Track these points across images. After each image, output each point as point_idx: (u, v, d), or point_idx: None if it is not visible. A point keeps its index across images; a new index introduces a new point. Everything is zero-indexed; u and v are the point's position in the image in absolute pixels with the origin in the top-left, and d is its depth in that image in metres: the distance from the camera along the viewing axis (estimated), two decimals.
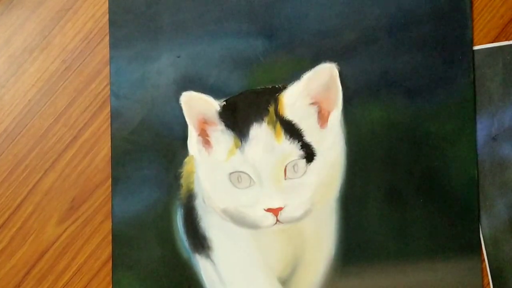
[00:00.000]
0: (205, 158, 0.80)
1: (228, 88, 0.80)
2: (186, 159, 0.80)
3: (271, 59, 0.80)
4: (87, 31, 0.81)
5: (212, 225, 0.80)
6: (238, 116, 0.79)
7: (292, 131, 0.79)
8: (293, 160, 0.79)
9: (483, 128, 0.80)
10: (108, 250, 0.80)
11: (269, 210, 0.78)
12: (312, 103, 0.79)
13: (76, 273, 0.81)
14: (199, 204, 0.80)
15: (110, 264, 0.80)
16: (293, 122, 0.79)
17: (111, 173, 0.80)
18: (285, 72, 0.79)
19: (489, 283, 0.79)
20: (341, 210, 0.80)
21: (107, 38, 0.81)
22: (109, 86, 0.81)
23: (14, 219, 0.81)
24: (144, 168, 0.80)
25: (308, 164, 0.79)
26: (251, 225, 0.79)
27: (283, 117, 0.79)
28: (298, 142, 0.79)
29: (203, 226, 0.80)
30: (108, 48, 0.81)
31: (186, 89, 0.80)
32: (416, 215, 0.79)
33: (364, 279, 0.79)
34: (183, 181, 0.80)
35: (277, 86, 0.79)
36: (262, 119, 0.79)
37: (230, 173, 0.79)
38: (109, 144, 0.80)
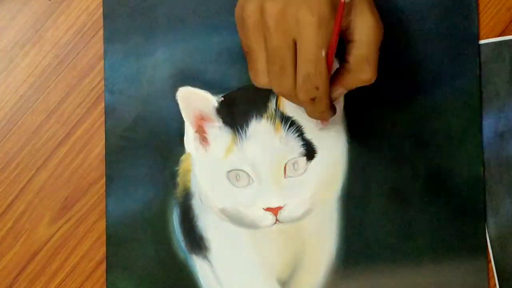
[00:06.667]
0: (202, 156, 0.79)
1: (226, 84, 0.79)
2: (183, 157, 0.79)
3: None
4: (81, 25, 0.80)
5: (209, 225, 0.79)
6: (237, 112, 0.78)
7: (292, 128, 0.78)
8: (293, 158, 0.78)
9: (489, 125, 0.79)
10: (102, 250, 0.80)
11: (268, 209, 0.78)
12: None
13: (69, 274, 0.80)
14: (196, 203, 0.79)
15: (104, 265, 0.79)
16: (293, 119, 0.78)
17: (105, 171, 0.79)
18: None
19: (495, 285, 0.78)
20: (342, 210, 0.79)
21: (101, 32, 0.80)
22: (103, 82, 0.80)
23: (5, 219, 0.80)
24: (139, 166, 0.79)
25: (308, 162, 0.78)
26: (250, 225, 0.79)
27: (283, 113, 0.78)
28: (299, 139, 0.78)
29: (200, 226, 0.79)
30: (102, 42, 0.80)
31: (182, 85, 0.79)
32: (420, 214, 0.79)
33: (366, 281, 0.79)
34: (179, 179, 0.79)
35: None
36: (261, 116, 0.78)
37: (228, 171, 0.78)
38: (103, 141, 0.80)
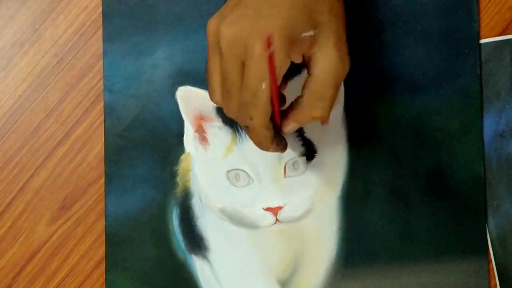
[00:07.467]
0: (202, 156, 0.79)
1: None
2: (182, 157, 0.79)
3: None
4: (80, 24, 0.80)
5: (209, 224, 0.79)
6: None
7: None
8: (293, 158, 0.78)
9: (490, 124, 0.79)
10: (102, 250, 0.79)
11: (268, 209, 0.78)
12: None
13: (68, 274, 0.80)
14: (195, 203, 0.79)
15: (103, 265, 0.79)
16: None
17: (105, 171, 0.79)
18: None
19: (496, 285, 0.78)
20: (342, 210, 0.79)
21: (101, 31, 0.80)
22: (102, 81, 0.79)
23: (4, 219, 0.80)
24: (138, 166, 0.79)
25: (308, 162, 0.78)
26: (250, 225, 0.78)
27: None
28: (298, 139, 0.78)
29: (200, 225, 0.79)
30: (102, 42, 0.79)
31: (182, 84, 0.79)
32: (421, 214, 0.78)
33: (366, 281, 0.78)
34: (179, 179, 0.79)
35: None
36: None
37: (228, 171, 0.78)
38: (103, 141, 0.79)
